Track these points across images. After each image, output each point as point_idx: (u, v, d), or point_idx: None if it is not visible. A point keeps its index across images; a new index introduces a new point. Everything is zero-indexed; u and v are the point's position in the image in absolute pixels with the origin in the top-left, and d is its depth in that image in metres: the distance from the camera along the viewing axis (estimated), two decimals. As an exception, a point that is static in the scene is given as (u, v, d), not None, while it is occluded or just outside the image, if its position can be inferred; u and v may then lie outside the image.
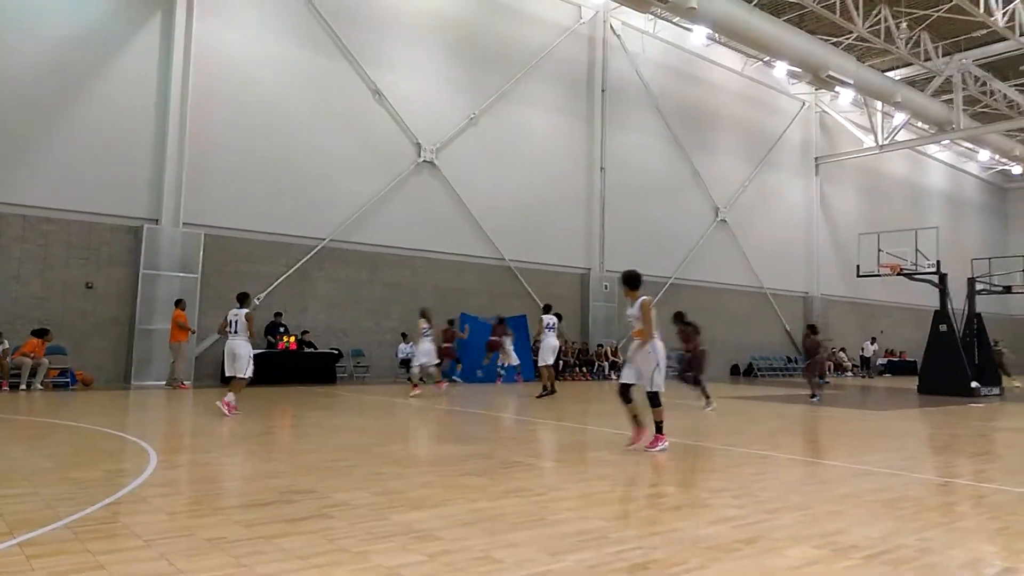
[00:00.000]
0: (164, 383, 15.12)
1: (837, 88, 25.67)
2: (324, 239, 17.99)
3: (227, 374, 10.33)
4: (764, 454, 7.41)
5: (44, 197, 14.54)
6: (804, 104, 31.39)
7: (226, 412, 9.68)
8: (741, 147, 28.59)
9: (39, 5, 14.67)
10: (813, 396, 15.15)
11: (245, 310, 10.32)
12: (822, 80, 24.53)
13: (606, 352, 22.76)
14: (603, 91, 23.90)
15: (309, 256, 17.74)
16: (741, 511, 4.79)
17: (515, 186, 21.58)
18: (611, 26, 24.34)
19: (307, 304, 17.87)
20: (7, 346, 13.48)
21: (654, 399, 7.20)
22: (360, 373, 18.43)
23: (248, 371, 10.14)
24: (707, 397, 12.46)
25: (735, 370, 27.80)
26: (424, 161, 19.74)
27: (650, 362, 7.20)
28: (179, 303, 15.08)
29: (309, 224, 17.78)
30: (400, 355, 18.64)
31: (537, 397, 13.70)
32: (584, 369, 21.92)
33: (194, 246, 16.05)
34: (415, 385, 13.97)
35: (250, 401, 12.25)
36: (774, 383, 22.70)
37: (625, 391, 7.27)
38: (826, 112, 32.06)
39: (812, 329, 16.35)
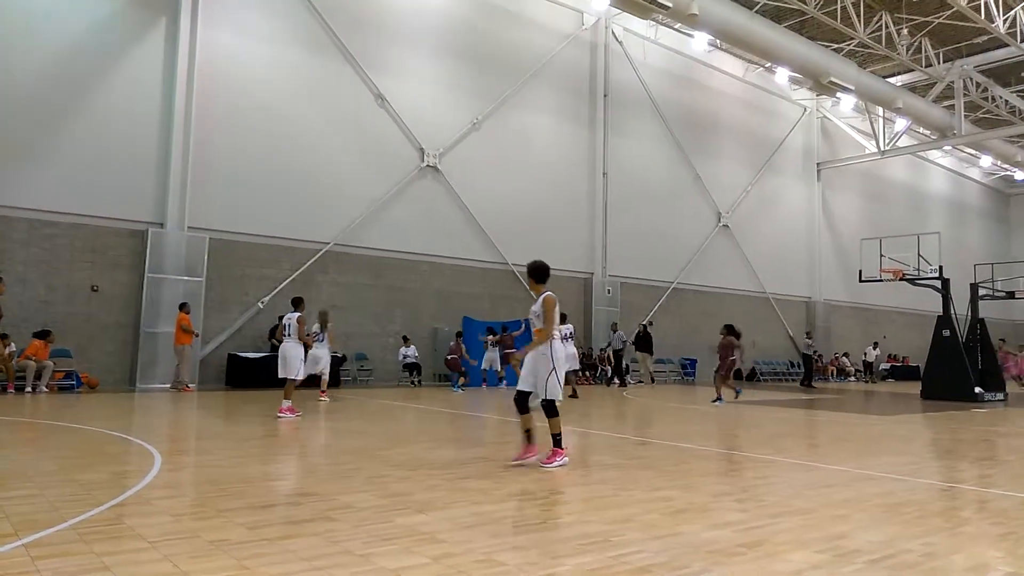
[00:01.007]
0: (169, 386, 15.16)
1: (838, 94, 25.70)
2: (328, 243, 18.03)
3: (279, 375, 10.64)
4: (766, 458, 7.40)
5: (49, 201, 14.60)
6: (806, 110, 31.44)
7: (290, 416, 10.00)
8: (743, 152, 28.63)
9: (45, 11, 14.75)
10: (718, 399, 14.93)
11: (298, 314, 10.83)
12: (823, 86, 24.57)
13: (608, 356, 22.74)
14: (605, 96, 23.96)
15: (313, 260, 17.79)
16: (744, 515, 4.80)
17: (518, 191, 21.63)
18: (613, 32, 24.42)
19: (311, 308, 17.81)
20: (14, 348, 13.55)
21: (549, 408, 6.50)
22: (364, 376, 18.46)
23: (301, 372, 10.68)
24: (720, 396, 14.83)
25: (738, 374, 27.69)
26: (427, 166, 19.79)
27: (546, 366, 6.47)
28: (183, 306, 15.13)
29: (313, 228, 17.84)
30: (401, 358, 18.67)
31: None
32: (587, 374, 21.91)
33: (199, 250, 16.10)
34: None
35: (254, 404, 12.27)
36: (777, 388, 22.68)
37: (522, 400, 6.60)
38: (828, 118, 32.12)
39: (729, 329, 15.74)
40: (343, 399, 13.93)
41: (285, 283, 17.38)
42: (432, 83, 20.21)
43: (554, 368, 6.46)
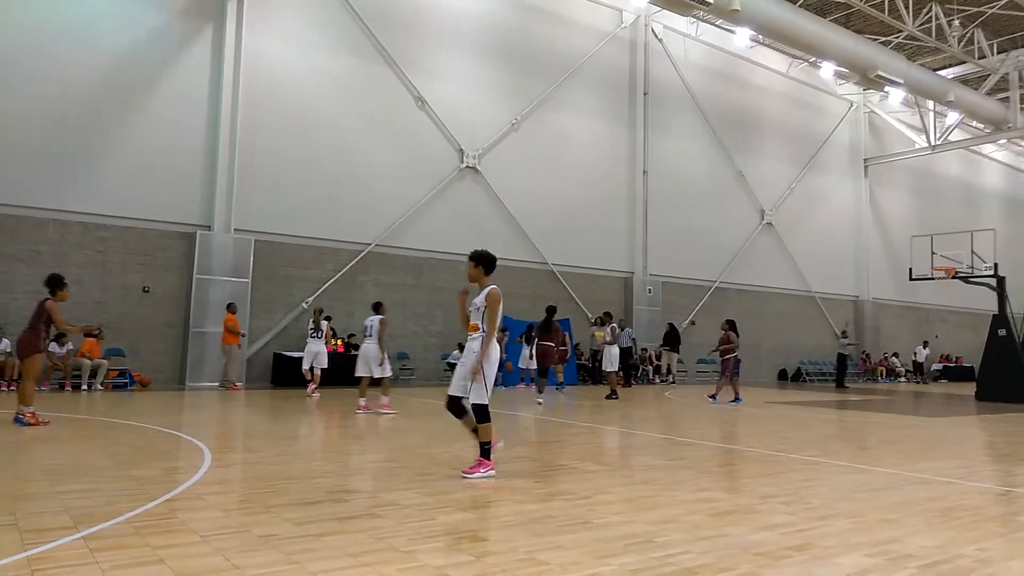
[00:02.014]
0: (217, 384, 15.52)
1: (886, 88, 25.04)
2: (370, 244, 18.26)
3: (359, 374, 11.38)
4: (814, 460, 7.27)
5: (102, 205, 15.08)
6: (852, 105, 30.73)
7: (386, 411, 10.90)
8: (787, 149, 28.12)
9: (95, 22, 15.23)
10: (713, 397, 14.83)
11: (380, 316, 11.45)
12: (871, 80, 23.98)
13: (651, 356, 22.58)
14: (645, 95, 23.77)
15: (355, 261, 18.03)
16: (791, 517, 4.72)
17: (557, 190, 21.60)
18: (653, 30, 24.21)
19: (353, 308, 18.14)
20: (71, 347, 14.05)
21: (479, 413, 5.93)
22: (406, 376, 18.64)
23: (387, 370, 11.45)
24: (715, 394, 15.00)
25: (783, 375, 27.30)
26: (467, 167, 19.90)
27: (476, 366, 5.93)
28: (230, 307, 15.48)
29: (355, 229, 18.08)
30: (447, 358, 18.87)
31: (606, 398, 14.97)
32: (632, 373, 21.76)
33: (245, 251, 16.45)
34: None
35: (299, 402, 12.49)
36: (824, 389, 22.21)
37: (455, 404, 6.06)
38: (875, 112, 31.33)
39: (730, 324, 15.27)
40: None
41: (328, 283, 17.65)
42: (471, 84, 20.31)
43: (483, 370, 5.93)
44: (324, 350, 14.50)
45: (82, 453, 6.75)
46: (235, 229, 16.43)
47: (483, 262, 6.29)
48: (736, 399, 14.64)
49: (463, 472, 5.87)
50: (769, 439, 8.98)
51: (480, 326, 6.02)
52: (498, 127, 20.59)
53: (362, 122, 18.39)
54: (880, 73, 23.50)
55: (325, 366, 14.44)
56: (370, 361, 11.31)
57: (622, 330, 18.82)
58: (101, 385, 14.09)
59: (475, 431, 6.06)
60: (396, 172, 18.79)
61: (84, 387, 13.84)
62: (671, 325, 22.14)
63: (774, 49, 27.43)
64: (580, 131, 22.44)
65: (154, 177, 15.63)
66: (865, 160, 31.14)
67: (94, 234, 15.07)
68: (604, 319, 17.59)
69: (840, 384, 22.75)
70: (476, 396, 5.91)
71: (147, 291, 15.58)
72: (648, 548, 3.94)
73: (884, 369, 29.57)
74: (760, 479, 6.13)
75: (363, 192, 18.23)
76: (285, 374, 16.19)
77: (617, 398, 15.07)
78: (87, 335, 13.95)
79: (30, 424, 8.43)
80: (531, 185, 21.08)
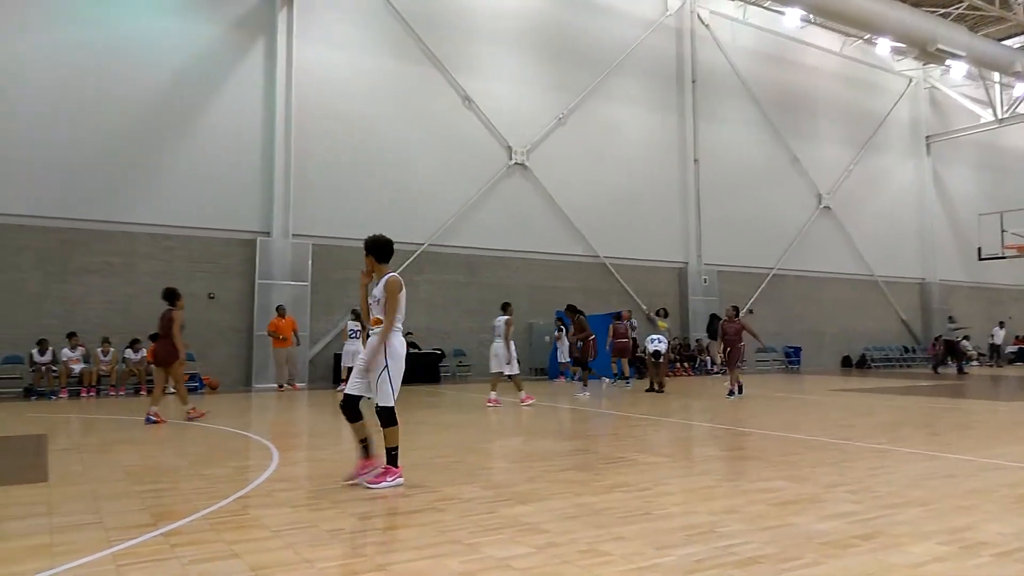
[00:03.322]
0: (276, 386, 15.90)
1: (948, 62, 24.08)
2: (423, 244, 18.50)
3: (493, 370, 12.14)
4: (881, 448, 7.08)
5: (167, 216, 15.67)
6: (911, 81, 29.64)
7: (527, 403, 11.61)
8: (843, 130, 27.31)
9: (154, 40, 15.82)
10: (736, 390, 13.14)
11: (507, 317, 12.09)
12: (930, 54, 23.08)
13: (707, 347, 22.28)
14: (693, 82, 23.42)
15: (409, 261, 18.29)
16: (858, 506, 4.62)
17: (607, 183, 21.48)
18: (699, 16, 23.82)
19: (409, 307, 18.23)
20: (144, 353, 14.65)
21: (385, 416, 5.36)
22: (463, 372, 18.85)
23: (515, 367, 12.04)
24: (586, 384, 14.27)
25: (846, 362, 26.58)
26: (515, 163, 19.96)
27: (379, 363, 5.37)
28: (277, 309, 15.81)
29: (408, 230, 18.33)
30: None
31: (646, 391, 14.78)
32: (686, 364, 21.55)
33: (303, 256, 16.88)
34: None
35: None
36: (890, 375, 21.54)
37: (352, 405, 5.46)
38: (936, 88, 30.14)
39: (736, 311, 14.02)
40: (444, 394, 14.26)
41: (384, 284, 17.93)
42: (516, 81, 20.35)
43: (387, 366, 5.35)
44: (362, 349, 14.78)
45: (159, 454, 7.05)
46: (293, 234, 16.86)
47: (373, 250, 5.59)
48: (734, 390, 13.21)
49: (368, 483, 5.27)
50: (833, 427, 8.78)
51: (383, 319, 5.43)
52: (545, 122, 20.58)
53: (411, 124, 18.63)
54: (940, 46, 22.61)
55: (350, 363, 14.96)
56: (499, 358, 11.99)
57: (627, 320, 18.11)
58: (173, 389, 14.62)
59: (364, 441, 5.51)
60: (446, 172, 18.98)
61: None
62: (713, 316, 21.81)
63: (826, 28, 26.66)
64: (628, 122, 22.25)
65: (215, 187, 16.16)
66: (927, 137, 30.01)
67: (161, 244, 15.67)
68: (662, 312, 17.57)
69: (960, 371, 22.05)
70: (382, 398, 5.33)
71: (212, 297, 16.12)
72: (710, 538, 3.92)
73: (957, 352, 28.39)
74: (824, 468, 6.01)
75: (414, 193, 18.47)
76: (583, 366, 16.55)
77: (660, 391, 14.70)
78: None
79: (196, 418, 9.66)
80: (580, 179, 21.01)
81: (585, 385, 14.22)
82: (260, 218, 16.71)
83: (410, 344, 17.81)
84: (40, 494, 5.17)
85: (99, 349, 14.39)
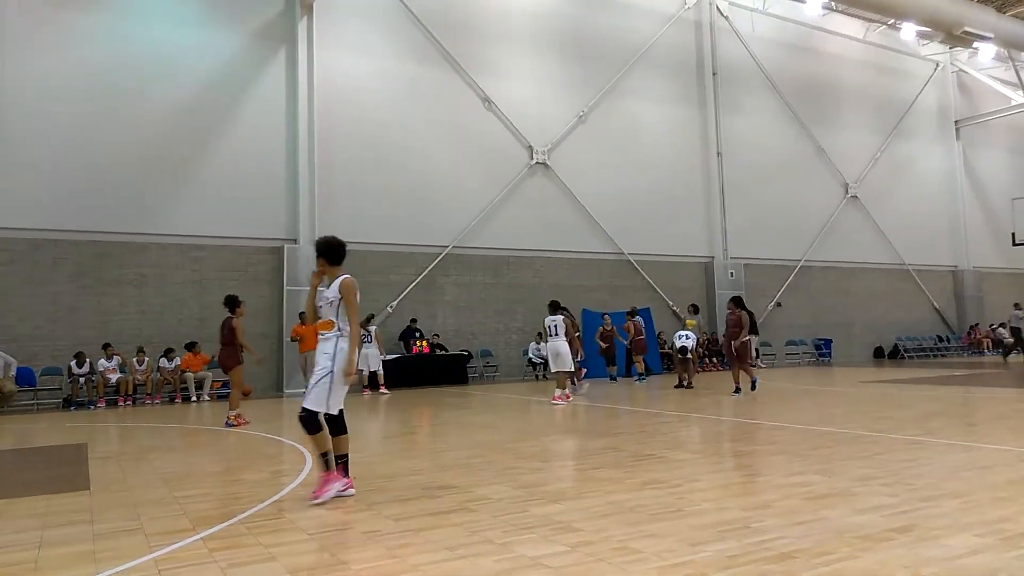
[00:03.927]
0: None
1: (975, 44, 23.58)
2: (447, 246, 18.59)
3: (554, 369, 12.54)
4: (916, 440, 6.99)
5: (197, 226, 15.94)
6: (938, 65, 29.10)
7: (561, 403, 11.82)
8: (869, 118, 26.90)
9: (179, 53, 16.10)
10: (738, 390, 12.52)
11: (561, 316, 12.47)
12: (957, 37, 22.65)
13: (747, 340, 22.08)
14: (714, 75, 23.23)
15: (434, 263, 18.39)
16: (893, 499, 4.58)
17: (630, 179, 21.40)
18: (718, 8, 23.63)
19: (436, 309, 18.53)
20: (179, 362, 14.95)
21: (334, 424, 5.20)
22: (490, 373, 18.91)
23: (570, 365, 12.38)
24: (574, 383, 13.60)
25: (878, 353, 26.18)
26: (537, 163, 19.97)
27: (324, 368, 5.10)
28: (300, 315, 15.73)
29: (432, 233, 18.45)
30: (531, 355, 18.97)
31: (686, 388, 14.70)
32: (715, 359, 21.39)
33: (329, 261, 17.01)
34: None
35: (390, 404, 12.87)
36: (924, 365, 21.18)
37: (311, 418, 5.14)
38: (964, 71, 29.53)
39: (737, 302, 13.23)
40: (472, 395, 14.32)
41: (410, 287, 18.08)
42: (535, 80, 20.36)
43: (331, 372, 5.08)
44: (375, 353, 15.66)
45: (196, 460, 7.19)
46: (319, 240, 17.01)
47: (325, 252, 5.46)
48: (738, 389, 12.63)
49: (312, 496, 5.02)
50: (866, 420, 8.67)
51: (335, 322, 5.21)
52: (565, 121, 20.57)
53: (432, 127, 18.74)
54: (967, 29, 22.19)
55: (372, 368, 15.65)
56: (561, 356, 12.27)
57: (631, 317, 17.82)
58: (207, 396, 14.92)
59: (324, 454, 5.21)
60: (468, 173, 19.06)
61: (193, 399, 14.73)
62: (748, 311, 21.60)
63: (848, 14, 26.30)
64: (649, 118, 22.14)
65: (242, 195, 16.40)
66: (956, 122, 29.44)
67: (191, 254, 15.94)
68: (692, 308, 17.48)
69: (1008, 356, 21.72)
70: (328, 406, 5.11)
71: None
72: (744, 534, 3.91)
73: (990, 341, 27.90)
74: (858, 461, 5.94)
75: (438, 195, 18.58)
76: (375, 377, 16.70)
77: (688, 387, 14.69)
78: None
79: (234, 426, 9.81)
80: (602, 176, 20.96)
81: (574, 383, 13.79)
82: (287, 225, 16.92)
83: (437, 346, 17.95)
84: (82, 502, 5.31)
85: (134, 359, 14.69)
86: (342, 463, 5.20)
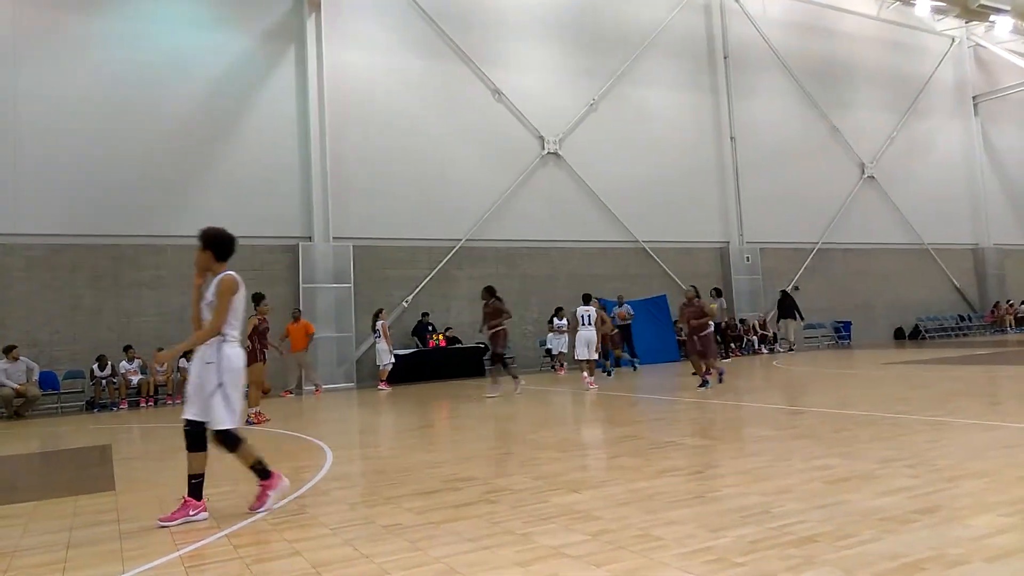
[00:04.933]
0: (314, 388, 15.66)
1: (992, 17, 23.19)
2: (460, 239, 18.60)
3: (579, 357, 13.08)
4: (938, 420, 6.92)
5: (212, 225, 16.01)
6: (954, 40, 28.61)
7: (589, 387, 12.34)
8: (884, 97, 26.54)
9: (190, 55, 16.19)
10: (704, 384, 11.38)
11: (593, 307, 13.26)
12: (973, 11, 22.30)
13: (753, 326, 21.97)
14: (725, 59, 23.01)
15: (448, 257, 18.41)
16: (916, 480, 4.54)
17: (642, 166, 21.28)
18: (728, -11, 23.39)
19: (450, 303, 18.56)
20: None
21: (227, 440, 4.74)
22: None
23: (593, 353, 13.04)
24: (514, 378, 12.66)
25: (899, 333, 25.91)
26: (548, 153, 19.90)
27: (212, 380, 4.64)
28: (293, 312, 15.53)
29: (445, 226, 18.46)
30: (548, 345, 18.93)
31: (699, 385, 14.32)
32: (733, 345, 21.27)
33: (344, 258, 17.13)
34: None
35: (406, 398, 12.93)
36: (945, 344, 20.95)
37: (195, 432, 4.75)
38: (981, 45, 29.00)
39: (696, 291, 12.37)
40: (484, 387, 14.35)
41: (425, 281, 18.12)
42: (545, 70, 20.27)
43: (222, 383, 4.63)
44: (382, 347, 15.59)
45: (218, 458, 7.25)
46: (334, 237, 17.11)
47: (212, 244, 5.00)
48: (706, 382, 11.47)
49: (160, 519, 4.57)
50: (887, 401, 8.59)
51: (213, 324, 4.75)
52: (576, 110, 20.47)
53: (443, 120, 18.72)
54: (983, 2, 21.85)
55: (382, 362, 15.60)
56: (588, 345, 12.94)
57: (620, 306, 17.53)
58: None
59: (256, 463, 4.88)
60: (480, 166, 19.04)
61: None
62: (783, 293, 21.52)
63: (861, -8, 25.95)
64: (660, 104, 21.99)
65: (256, 195, 16.49)
66: (974, 98, 28.97)
67: (207, 255, 16.02)
68: (713, 292, 17.49)
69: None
70: (217, 420, 4.63)
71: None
72: (764, 519, 3.89)
73: (1013, 319, 27.53)
74: (879, 443, 5.90)
75: (450, 189, 18.58)
76: (390, 372, 16.78)
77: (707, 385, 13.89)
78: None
79: (255, 424, 9.86)
80: (615, 164, 20.86)
81: (495, 382, 12.68)
82: (301, 223, 17.00)
83: (452, 339, 17.98)
84: (108, 502, 5.39)
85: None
86: (196, 484, 4.70)
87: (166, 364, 13.68)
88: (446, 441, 7.62)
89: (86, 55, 15.30)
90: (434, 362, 17.18)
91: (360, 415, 11.23)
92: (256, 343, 10.28)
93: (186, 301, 15.64)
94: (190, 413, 4.70)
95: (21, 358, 13.69)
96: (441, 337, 17.68)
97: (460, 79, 19.07)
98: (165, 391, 14.89)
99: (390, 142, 17.98)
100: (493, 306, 12.56)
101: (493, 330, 12.57)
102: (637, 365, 17.42)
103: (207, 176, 16.16)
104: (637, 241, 21.01)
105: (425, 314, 17.80)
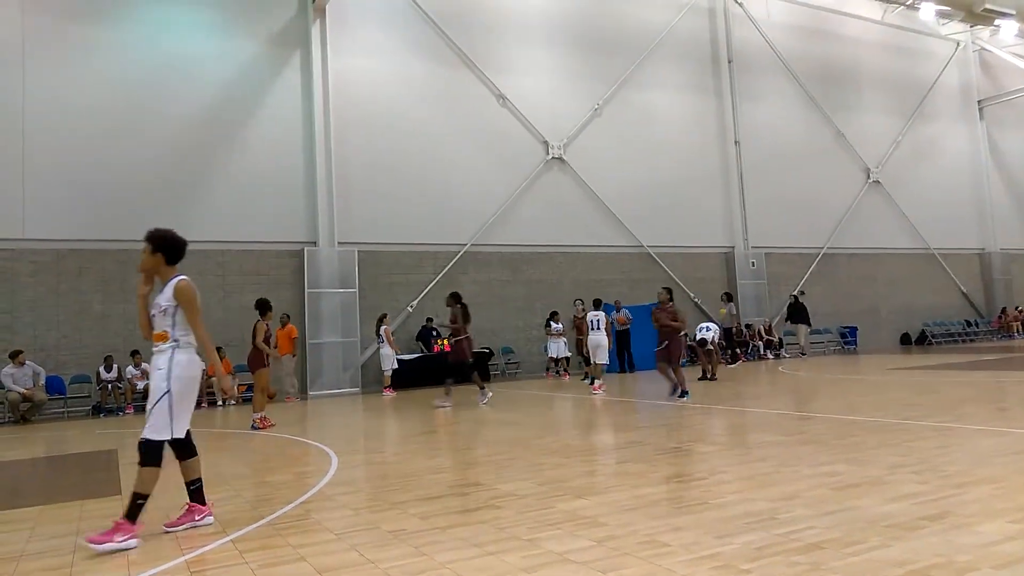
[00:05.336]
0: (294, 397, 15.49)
1: (997, 21, 23.15)
2: (465, 244, 18.62)
3: (598, 361, 13.35)
4: (946, 426, 6.88)
5: (218, 232, 16.10)
6: (959, 44, 28.57)
7: (597, 392, 12.53)
8: (889, 101, 26.51)
9: (197, 61, 16.28)
10: (680, 392, 10.86)
11: (603, 312, 13.59)
12: (978, 15, 22.27)
13: (759, 331, 21.91)
14: (730, 63, 23.03)
15: (453, 262, 18.43)
16: (924, 487, 4.51)
17: (647, 171, 21.29)
18: (732, -7, 23.41)
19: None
20: (204, 367, 15.05)
21: (145, 452, 4.34)
22: (512, 370, 18.91)
23: (605, 359, 13.33)
24: (481, 388, 12.09)
25: (905, 339, 25.82)
26: (553, 158, 19.93)
27: (159, 386, 4.42)
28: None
29: (450, 231, 18.49)
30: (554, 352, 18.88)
31: (710, 379, 14.43)
32: (739, 351, 21.19)
33: (349, 263, 17.16)
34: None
35: (410, 403, 12.93)
36: (952, 350, 20.86)
37: (179, 442, 4.60)
38: (986, 49, 28.96)
39: (669, 293, 11.63)
40: (494, 392, 14.34)
41: (430, 286, 18.13)
42: (549, 75, 20.31)
43: (168, 391, 4.41)
44: (386, 353, 15.66)
45: (223, 463, 7.27)
46: (339, 242, 17.15)
47: (162, 247, 4.63)
48: (681, 392, 10.91)
49: (89, 539, 4.17)
50: (894, 407, 8.56)
51: (170, 333, 4.53)
52: (580, 114, 20.50)
53: (447, 125, 18.77)
54: (988, 6, 21.83)
55: (385, 367, 15.67)
56: (599, 348, 13.19)
57: (596, 308, 17.21)
58: (233, 400, 15.07)
59: (194, 482, 4.61)
60: (484, 171, 19.07)
61: (219, 403, 14.91)
62: (795, 298, 21.49)
63: (866, -4, 25.94)
64: (665, 108, 22.00)
65: (261, 200, 16.55)
66: (979, 102, 28.91)
67: (214, 260, 16.11)
68: (726, 297, 17.55)
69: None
70: (152, 429, 4.36)
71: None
72: (771, 525, 3.87)
73: (1020, 324, 27.41)
74: (886, 449, 5.87)
75: (455, 194, 18.61)
76: (395, 377, 16.79)
77: (713, 379, 14.51)
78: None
79: (260, 428, 9.91)
80: (619, 169, 20.87)
81: (447, 394, 11.92)
82: (306, 228, 17.04)
83: (458, 344, 17.95)
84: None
85: (161, 364, 14.85)
86: (196, 489, 4.61)
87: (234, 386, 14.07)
88: (451, 446, 7.61)
89: (94, 62, 15.39)
90: (439, 367, 17.14)
91: (365, 420, 11.23)
92: (264, 348, 10.53)
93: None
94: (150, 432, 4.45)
95: (28, 363, 13.74)
96: (446, 342, 17.64)
97: (465, 84, 19.12)
98: (171, 396, 14.89)
99: (395, 147, 18.03)
100: (456, 314, 11.87)
101: (456, 339, 11.93)
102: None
103: (213, 181, 16.23)
104: (642, 246, 21.00)
105: (430, 319, 17.81)
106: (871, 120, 25.96)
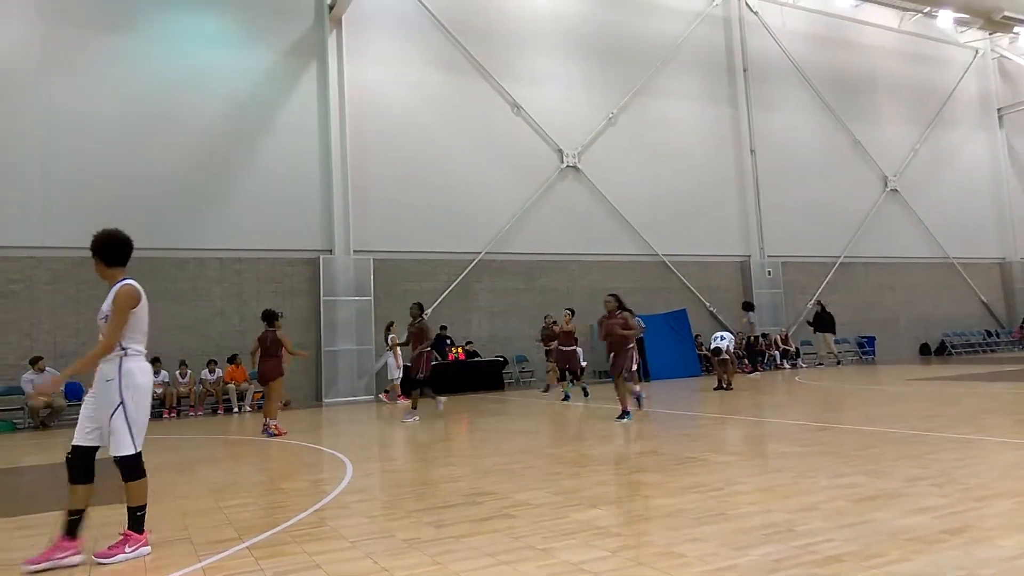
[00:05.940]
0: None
1: (1016, 29, 22.94)
2: (480, 252, 18.65)
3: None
4: (967, 438, 6.79)
5: (235, 240, 16.24)
6: (978, 52, 28.34)
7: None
8: (907, 110, 26.32)
9: (215, 71, 16.45)
10: (621, 414, 9.76)
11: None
12: (996, 23, 22.09)
13: (775, 340, 21.76)
14: (745, 71, 22.97)
15: (468, 270, 18.46)
16: (944, 500, 4.45)
17: (662, 180, 21.25)
18: (747, 2, 23.37)
19: (470, 316, 18.59)
20: (221, 374, 15.23)
21: (126, 467, 4.20)
22: (526, 378, 18.88)
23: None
24: (433, 398, 12.46)
25: (924, 349, 25.53)
26: (567, 166, 19.94)
27: (111, 399, 4.18)
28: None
29: (465, 239, 18.53)
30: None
31: (726, 389, 14.22)
32: (757, 360, 21.03)
33: (365, 271, 17.24)
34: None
35: (426, 410, 12.93)
36: (972, 361, 20.60)
37: (84, 460, 4.22)
38: (1005, 57, 28.70)
39: (618, 300, 10.13)
40: (509, 401, 14.33)
41: (444, 294, 18.17)
42: (564, 84, 20.35)
43: (122, 403, 4.16)
44: (389, 361, 15.60)
45: (239, 470, 7.31)
46: (354, 251, 17.24)
47: (96, 248, 4.55)
48: (622, 413, 9.81)
49: (97, 554, 4.10)
50: (913, 418, 8.46)
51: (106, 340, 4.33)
52: (595, 123, 20.51)
53: (462, 134, 18.84)
54: (1007, 14, 21.64)
55: (390, 376, 15.59)
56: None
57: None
58: (249, 407, 15.17)
59: (77, 513, 4.13)
60: (499, 179, 19.11)
61: (235, 410, 14.99)
62: (822, 306, 21.36)
63: (882, 4, 25.80)
64: (679, 117, 21.97)
65: (278, 208, 16.67)
66: (999, 110, 28.64)
67: (230, 267, 16.24)
68: (747, 307, 17.52)
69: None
70: (118, 445, 4.14)
71: (281, 315, 16.55)
72: (788, 537, 3.83)
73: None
74: (906, 461, 5.80)
75: (469, 202, 18.66)
76: (410, 385, 16.79)
77: (728, 388, 14.40)
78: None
79: (275, 435, 9.95)
80: (634, 177, 20.85)
81: (414, 407, 11.63)
82: (322, 236, 17.15)
83: (471, 352, 17.99)
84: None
85: (177, 372, 15.00)
86: (138, 516, 4.24)
87: (46, 394, 13.10)
88: (465, 455, 7.60)
89: (113, 73, 15.59)
90: (454, 375, 17.17)
91: (379, 428, 11.25)
92: (280, 357, 10.55)
93: (207, 315, 15.85)
94: (81, 438, 4.21)
95: (47, 369, 13.87)
96: (460, 350, 17.68)
97: (480, 93, 19.20)
98: (188, 402, 15.03)
99: (410, 156, 18.12)
100: (418, 327, 11.56)
101: (416, 352, 11.65)
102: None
103: (230, 190, 16.37)
104: (657, 254, 20.94)
105: (444, 327, 17.82)
106: (888, 128, 25.78)
